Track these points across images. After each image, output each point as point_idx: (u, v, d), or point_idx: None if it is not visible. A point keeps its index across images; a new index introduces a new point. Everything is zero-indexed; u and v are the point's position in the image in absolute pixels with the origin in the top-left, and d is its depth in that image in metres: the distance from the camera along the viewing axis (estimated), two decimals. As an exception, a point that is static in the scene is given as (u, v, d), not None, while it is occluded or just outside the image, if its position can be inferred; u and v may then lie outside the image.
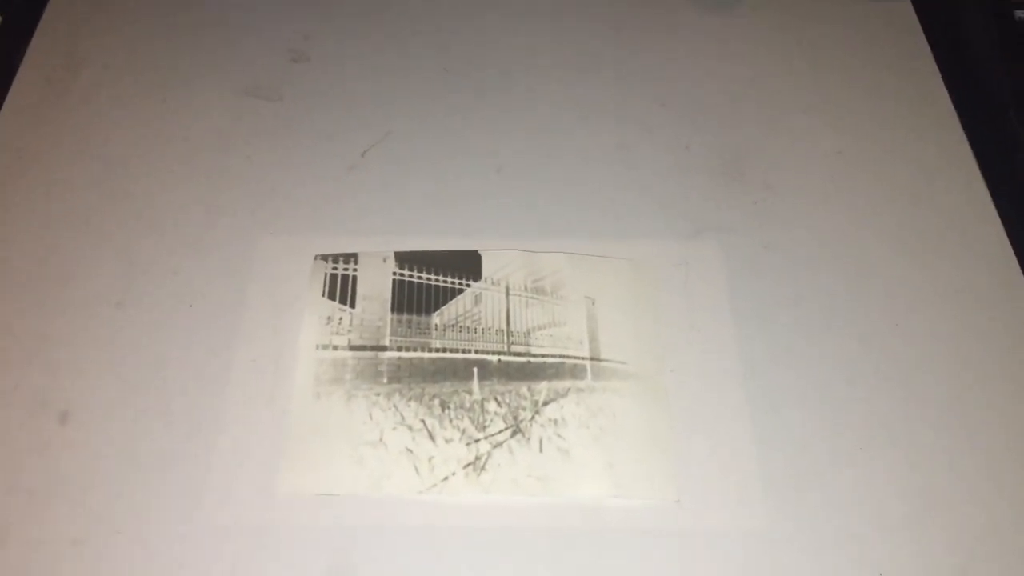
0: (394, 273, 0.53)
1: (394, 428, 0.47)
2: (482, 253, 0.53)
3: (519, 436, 0.47)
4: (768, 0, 0.68)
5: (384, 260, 0.53)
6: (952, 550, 0.45)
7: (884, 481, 0.47)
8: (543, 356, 0.50)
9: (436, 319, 0.51)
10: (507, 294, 0.52)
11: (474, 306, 0.51)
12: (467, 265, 0.53)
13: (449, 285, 0.52)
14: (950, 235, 0.56)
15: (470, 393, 0.48)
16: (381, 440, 0.47)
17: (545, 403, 0.48)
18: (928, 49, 0.65)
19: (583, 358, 0.50)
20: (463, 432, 0.47)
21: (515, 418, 0.48)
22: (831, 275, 0.54)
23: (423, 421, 0.47)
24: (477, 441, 0.47)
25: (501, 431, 0.47)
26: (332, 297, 0.52)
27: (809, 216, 0.56)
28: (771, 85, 0.63)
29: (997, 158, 0.59)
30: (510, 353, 0.50)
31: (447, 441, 0.47)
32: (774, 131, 0.61)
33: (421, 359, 0.49)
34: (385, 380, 0.49)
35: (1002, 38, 0.61)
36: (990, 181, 0.58)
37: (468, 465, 0.46)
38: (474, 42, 0.65)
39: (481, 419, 0.48)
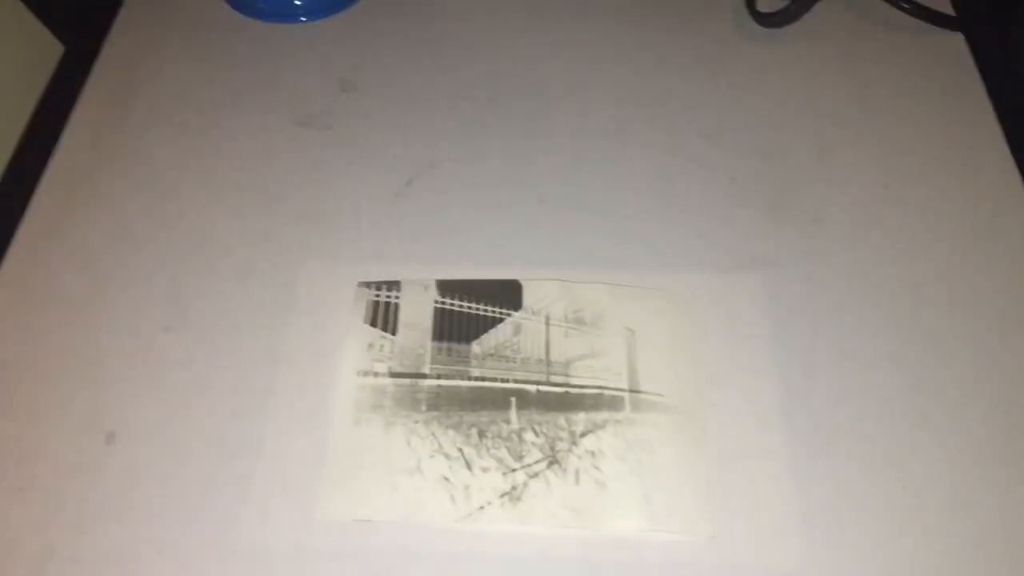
0: (435, 301, 0.53)
1: (431, 456, 0.48)
2: (523, 282, 0.54)
3: (556, 467, 0.47)
4: (815, 31, 0.68)
5: (426, 288, 0.54)
6: (996, 595, 0.44)
7: (927, 523, 0.46)
8: (582, 387, 0.50)
9: (476, 347, 0.51)
10: (547, 324, 0.52)
11: (514, 335, 0.52)
12: (508, 294, 0.53)
13: (489, 314, 0.53)
14: (999, 271, 0.55)
15: (508, 422, 0.49)
16: (418, 468, 0.47)
17: (583, 434, 0.48)
18: (980, 83, 0.64)
19: (622, 390, 0.50)
20: (500, 461, 0.47)
21: (552, 449, 0.48)
22: (876, 311, 0.53)
23: (460, 450, 0.48)
24: (514, 471, 0.47)
25: (538, 461, 0.47)
26: (374, 324, 0.52)
27: (855, 251, 0.56)
28: (817, 118, 0.63)
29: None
30: (549, 383, 0.50)
31: (484, 470, 0.47)
32: (820, 164, 0.60)
33: (460, 387, 0.50)
34: (424, 408, 0.49)
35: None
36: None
37: (504, 495, 0.46)
38: (520, 72, 0.66)
39: (518, 449, 0.48)
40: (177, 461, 0.48)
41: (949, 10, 0.68)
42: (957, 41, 0.67)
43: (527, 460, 0.47)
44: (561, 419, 0.49)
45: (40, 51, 0.70)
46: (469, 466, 0.47)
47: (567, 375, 0.50)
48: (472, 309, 0.53)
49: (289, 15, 0.71)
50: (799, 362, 0.51)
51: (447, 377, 0.50)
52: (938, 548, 0.45)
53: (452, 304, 0.53)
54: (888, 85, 0.65)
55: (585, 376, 0.50)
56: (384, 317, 0.53)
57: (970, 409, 0.49)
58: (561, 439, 0.48)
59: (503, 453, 0.48)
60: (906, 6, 0.67)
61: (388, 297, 0.53)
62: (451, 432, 0.48)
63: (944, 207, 0.58)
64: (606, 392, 0.50)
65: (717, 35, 0.68)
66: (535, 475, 0.47)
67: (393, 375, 0.50)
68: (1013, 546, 0.45)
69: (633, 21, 0.69)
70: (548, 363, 0.51)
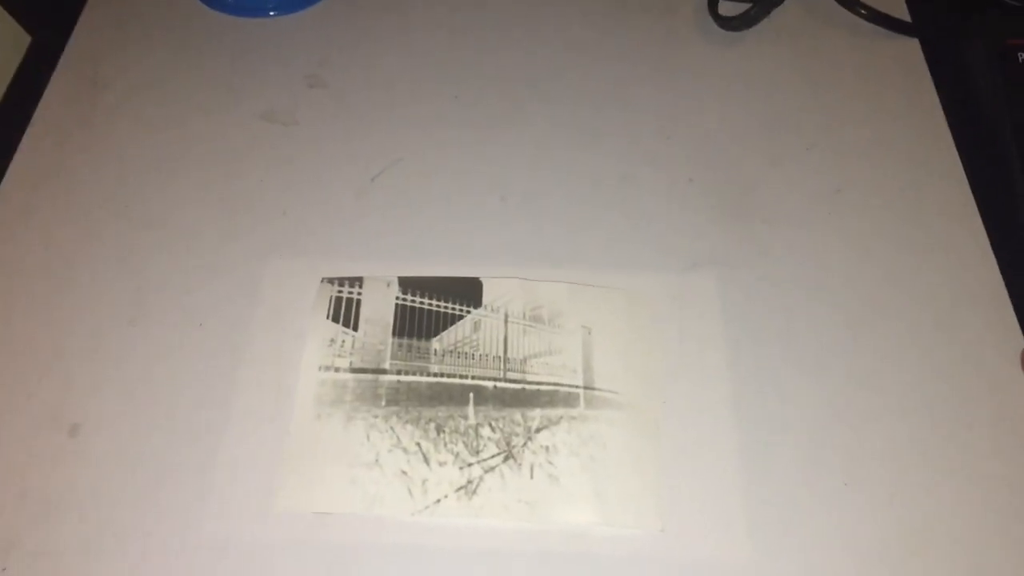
0: (397, 298, 0.54)
1: (390, 450, 0.49)
2: (483, 280, 0.55)
3: (511, 461, 0.48)
4: (775, 35, 0.69)
5: (388, 284, 0.55)
6: (932, 587, 0.45)
7: (869, 519, 0.47)
8: (538, 383, 0.51)
9: (436, 344, 0.52)
10: (506, 321, 0.53)
11: (473, 332, 0.53)
12: (468, 292, 0.54)
13: (450, 311, 0.54)
14: (946, 275, 0.57)
15: (465, 418, 0.50)
16: (377, 461, 0.48)
17: (538, 430, 0.49)
18: (933, 88, 0.66)
19: (577, 387, 0.51)
20: (456, 456, 0.49)
21: (508, 444, 0.49)
22: (826, 312, 0.55)
23: (418, 444, 0.49)
24: (470, 465, 0.48)
25: (494, 456, 0.49)
26: (336, 320, 0.53)
27: (806, 252, 0.57)
28: (775, 120, 0.64)
29: (997, 200, 0.59)
30: (506, 380, 0.51)
31: (441, 464, 0.48)
32: (776, 167, 0.62)
33: (419, 383, 0.51)
34: (384, 403, 0.50)
35: (1006, 79, 0.62)
36: (988, 223, 0.58)
37: (460, 488, 0.48)
38: (485, 71, 0.67)
39: (475, 444, 0.49)
40: (139, 453, 0.49)
41: (906, 16, 0.70)
42: (912, 47, 0.69)
43: (483, 455, 0.49)
44: (517, 415, 0.50)
45: (6, 42, 0.70)
46: (427, 460, 0.48)
47: (524, 372, 0.52)
48: (433, 306, 0.54)
49: (258, 9, 0.71)
50: (750, 360, 0.53)
51: (407, 373, 0.51)
52: (882, 546, 0.47)
53: (413, 301, 0.54)
54: (844, 89, 0.66)
55: (541, 373, 0.52)
56: (346, 313, 0.54)
57: (914, 407, 0.51)
58: (517, 434, 0.49)
59: (460, 448, 0.49)
60: (863, 12, 0.69)
61: (350, 293, 0.54)
62: (410, 427, 0.49)
63: (893, 211, 0.59)
64: (561, 389, 0.51)
65: (679, 37, 0.70)
66: (491, 469, 0.48)
67: (354, 370, 0.51)
68: (952, 540, 0.47)
69: (596, 21, 0.70)
70: (506, 360, 0.52)
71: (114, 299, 0.54)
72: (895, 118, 0.64)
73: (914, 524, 0.47)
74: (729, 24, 0.69)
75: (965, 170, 0.61)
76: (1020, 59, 0.63)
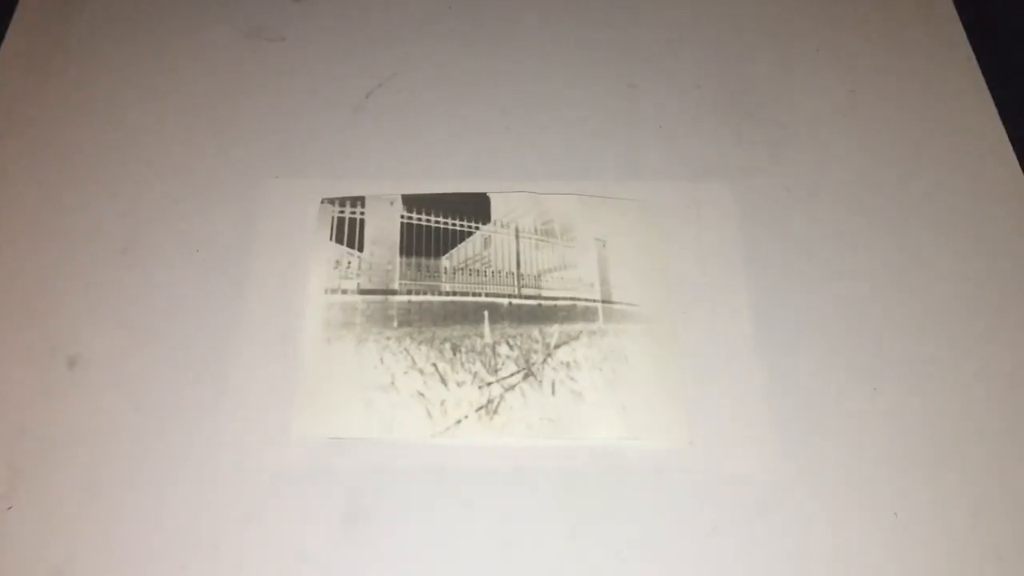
0: (402, 216, 0.52)
1: (405, 372, 0.47)
2: (490, 195, 0.53)
3: (531, 379, 0.47)
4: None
5: (391, 203, 0.52)
6: (965, 489, 0.45)
7: (896, 423, 0.47)
8: (554, 299, 0.49)
9: (445, 262, 0.50)
10: (517, 237, 0.51)
11: (484, 249, 0.51)
12: (476, 208, 0.52)
13: (458, 228, 0.52)
14: (965, 173, 0.55)
15: (481, 336, 0.48)
16: (393, 384, 0.47)
17: (557, 346, 0.48)
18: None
19: (594, 300, 0.49)
20: (475, 375, 0.47)
21: (527, 361, 0.47)
22: (844, 216, 0.53)
23: (434, 365, 0.47)
24: (489, 384, 0.47)
25: (513, 374, 0.47)
26: (340, 241, 0.51)
27: (821, 155, 0.56)
28: (781, 23, 0.62)
29: (1013, 94, 0.58)
30: (521, 296, 0.49)
31: (459, 384, 0.47)
32: (785, 70, 0.60)
33: (431, 303, 0.49)
34: (396, 324, 0.48)
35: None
36: (1005, 116, 0.57)
37: (480, 408, 0.46)
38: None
39: (493, 362, 0.47)
40: (144, 385, 0.47)
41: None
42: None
43: (502, 373, 0.47)
44: (535, 331, 0.48)
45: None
46: (444, 381, 0.47)
47: (539, 287, 0.50)
48: (440, 223, 0.52)
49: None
50: (769, 270, 0.51)
51: (418, 293, 0.49)
52: (910, 449, 0.46)
53: (419, 219, 0.52)
54: (852, -10, 0.64)
55: (557, 288, 0.50)
56: (350, 234, 0.51)
57: (939, 311, 0.50)
58: (535, 351, 0.48)
59: (478, 367, 0.47)
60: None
61: (353, 213, 0.52)
62: (424, 347, 0.48)
63: (909, 110, 0.58)
64: (579, 303, 0.49)
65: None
66: (511, 388, 0.47)
67: (362, 292, 0.49)
68: (982, 443, 0.46)
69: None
70: (519, 276, 0.50)
71: (104, 227, 0.52)
72: (904, 15, 0.62)
73: (940, 428, 0.46)
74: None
75: (979, 65, 0.59)
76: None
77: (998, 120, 0.57)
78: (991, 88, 0.58)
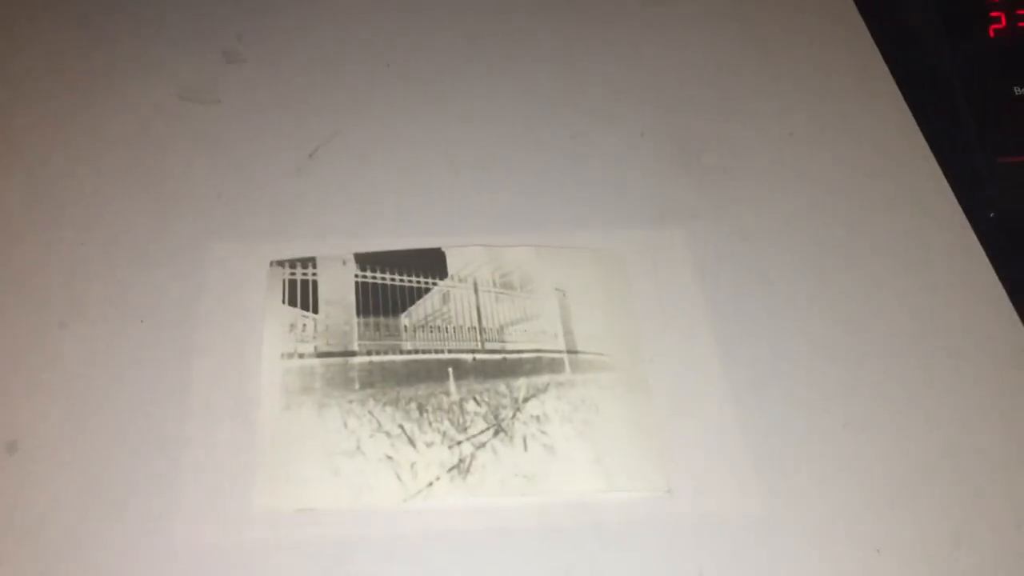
0: (356, 275, 0.50)
1: (371, 435, 0.45)
2: (445, 250, 0.52)
3: (502, 435, 0.46)
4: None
5: (344, 263, 0.51)
6: (945, 520, 0.45)
7: (872, 456, 0.46)
8: (519, 352, 0.48)
9: (405, 320, 0.49)
10: (476, 291, 0.50)
11: (443, 305, 0.50)
12: (431, 263, 0.51)
13: (415, 285, 0.50)
14: (903, 204, 0.57)
15: (447, 394, 0.47)
16: (359, 449, 0.45)
17: (525, 399, 0.47)
18: (865, 28, 0.66)
19: (560, 351, 0.48)
20: (444, 435, 0.45)
21: (496, 417, 0.46)
22: (795, 254, 0.54)
23: (401, 426, 0.45)
24: (459, 443, 0.45)
25: (483, 431, 0.46)
26: (293, 303, 0.49)
27: (770, 197, 0.57)
28: (717, 71, 0.63)
29: (940, 126, 0.60)
30: (484, 351, 0.48)
31: (428, 445, 0.45)
32: (725, 116, 0.61)
33: (393, 362, 0.47)
34: (357, 386, 0.47)
35: (939, 13, 0.62)
36: (935, 148, 0.59)
37: (452, 468, 0.44)
38: (417, 35, 0.64)
39: (461, 420, 0.46)
40: (90, 466, 0.44)
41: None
42: (839, -10, 0.69)
43: (472, 431, 0.46)
44: (501, 386, 0.47)
45: None
46: (412, 442, 0.45)
47: (502, 341, 0.49)
48: (396, 281, 0.50)
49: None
50: (730, 310, 0.51)
51: (379, 352, 0.48)
52: (889, 483, 0.46)
53: (374, 277, 0.50)
54: (781, 35, 0.66)
55: (521, 340, 0.49)
56: (303, 296, 0.50)
57: (900, 342, 0.50)
58: (504, 406, 0.46)
59: (446, 426, 0.46)
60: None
61: (304, 275, 0.50)
62: (389, 409, 0.46)
63: (846, 148, 0.59)
64: (544, 355, 0.48)
65: (611, -8, 0.68)
66: (482, 445, 0.45)
67: (320, 355, 0.47)
68: (959, 473, 0.46)
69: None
70: (481, 330, 0.49)
71: (39, 301, 0.49)
72: (832, 60, 0.64)
73: (917, 460, 0.47)
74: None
75: (906, 100, 0.61)
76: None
77: (927, 150, 0.59)
78: (919, 123, 0.60)
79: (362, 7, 0.65)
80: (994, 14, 0.62)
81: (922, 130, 0.60)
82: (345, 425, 0.45)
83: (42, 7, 0.64)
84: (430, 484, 0.44)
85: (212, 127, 0.58)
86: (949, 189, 0.57)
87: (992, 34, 0.62)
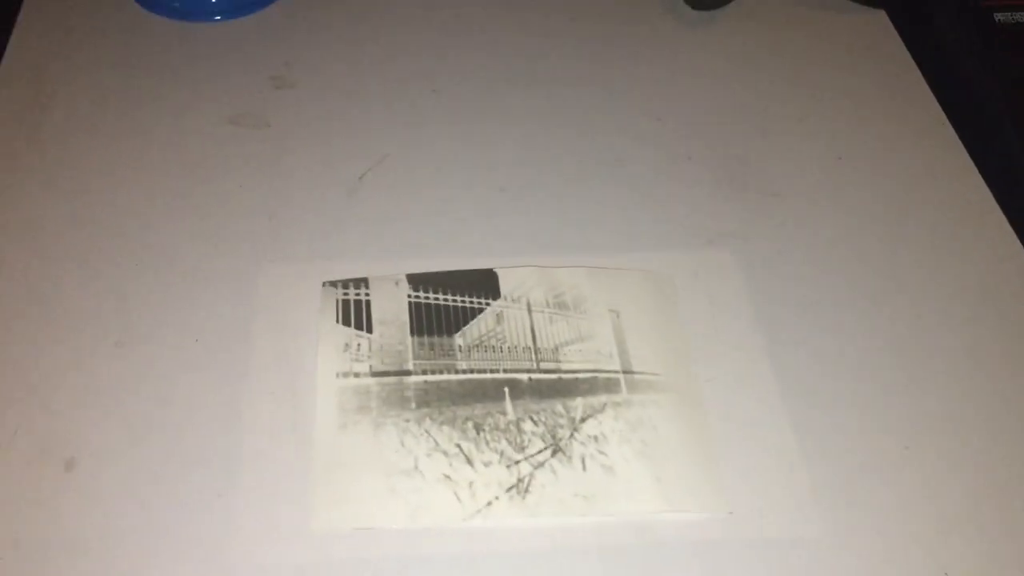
0: (409, 296, 0.50)
1: (428, 455, 0.45)
2: (498, 271, 0.52)
3: (560, 455, 0.45)
4: (746, 13, 0.69)
5: (396, 283, 0.51)
6: (1012, 542, 0.44)
7: (936, 477, 0.46)
8: (574, 372, 0.48)
9: (459, 340, 0.49)
10: (529, 311, 0.50)
11: (497, 325, 0.50)
12: (484, 284, 0.51)
13: (468, 305, 0.50)
14: (949, 223, 0.57)
15: (504, 414, 0.46)
16: (416, 468, 0.44)
17: (583, 419, 0.46)
18: (906, 52, 0.66)
19: (615, 371, 0.48)
20: (502, 454, 0.45)
21: (554, 437, 0.46)
22: (845, 275, 0.54)
23: (458, 445, 0.45)
24: (517, 463, 0.45)
25: (541, 451, 0.45)
26: (347, 323, 0.49)
27: (816, 219, 0.56)
28: (761, 95, 0.64)
29: (987, 147, 0.60)
30: (540, 371, 0.48)
31: (486, 465, 0.45)
32: (771, 140, 0.61)
33: (449, 382, 0.47)
34: (414, 405, 0.46)
35: (979, 33, 0.63)
36: (983, 170, 0.59)
37: (511, 488, 0.44)
38: (461, 62, 0.64)
39: (519, 440, 0.46)
40: (147, 484, 0.44)
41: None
42: (880, 17, 0.69)
43: (529, 451, 0.45)
44: (558, 406, 0.47)
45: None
46: (470, 462, 0.45)
47: (557, 361, 0.48)
48: (449, 301, 0.50)
49: (203, 14, 0.67)
50: (782, 330, 0.51)
51: (434, 372, 0.48)
52: (955, 504, 0.45)
53: (427, 297, 0.50)
54: (822, 62, 0.66)
55: (576, 360, 0.48)
56: (357, 315, 0.50)
57: (955, 357, 0.50)
58: (561, 426, 0.46)
59: (504, 445, 0.45)
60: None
61: (357, 295, 0.50)
62: (446, 428, 0.46)
63: (892, 170, 0.59)
64: (600, 375, 0.48)
65: (653, 19, 0.68)
66: (540, 465, 0.45)
67: (375, 374, 0.47)
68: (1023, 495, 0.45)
69: (571, 11, 0.69)
70: (536, 350, 0.49)
71: (96, 320, 0.49)
72: (875, 84, 0.65)
73: (983, 480, 0.46)
74: (701, 4, 0.68)
75: (951, 122, 0.61)
76: (996, 20, 0.63)
77: (974, 169, 0.59)
78: (963, 143, 0.60)
79: (408, 34, 0.66)
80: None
81: (967, 150, 0.60)
82: (402, 444, 0.45)
83: (98, 38, 0.65)
84: (489, 504, 0.43)
85: (262, 150, 0.58)
86: (997, 207, 0.57)
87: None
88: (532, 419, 0.46)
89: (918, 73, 0.65)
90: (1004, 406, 0.49)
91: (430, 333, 0.49)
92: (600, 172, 0.58)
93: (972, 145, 0.60)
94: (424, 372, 0.48)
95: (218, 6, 0.67)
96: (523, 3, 0.69)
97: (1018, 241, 0.55)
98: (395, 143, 0.59)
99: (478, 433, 0.46)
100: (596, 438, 0.46)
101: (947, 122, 0.62)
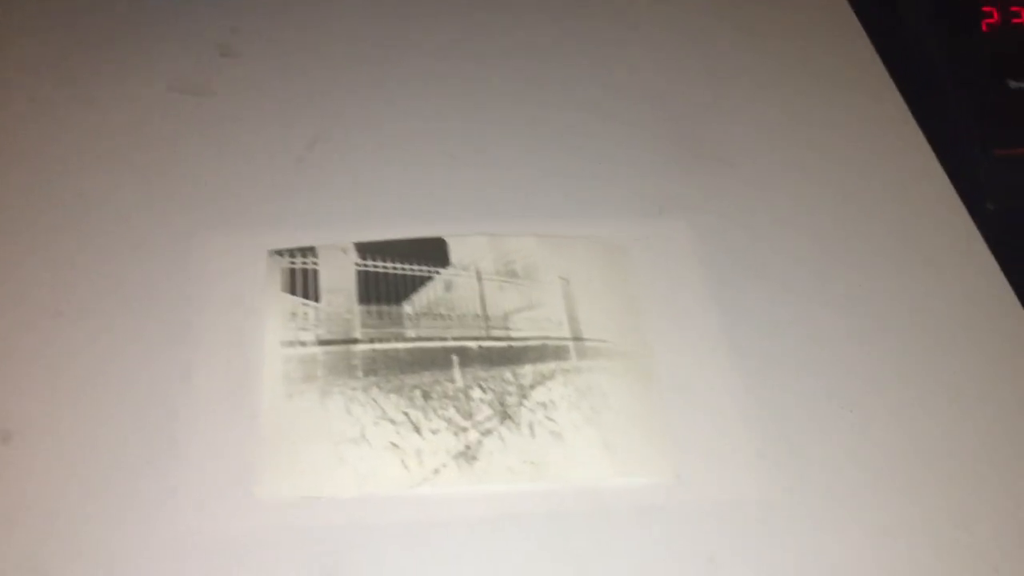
0: (356, 264, 0.50)
1: (375, 423, 0.44)
2: (447, 239, 0.51)
3: (508, 422, 0.45)
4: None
5: (344, 251, 0.50)
6: (951, 503, 0.44)
7: (877, 441, 0.46)
8: (524, 339, 0.48)
9: (407, 308, 0.48)
10: (479, 279, 0.50)
11: (446, 293, 0.49)
12: (433, 252, 0.51)
13: (417, 273, 0.50)
14: (901, 197, 0.57)
15: (452, 381, 0.46)
16: (363, 436, 0.44)
17: (532, 386, 0.46)
18: (859, 24, 0.66)
19: (565, 339, 0.48)
20: (449, 422, 0.45)
21: (502, 404, 0.45)
22: (796, 244, 0.54)
23: (406, 413, 0.45)
24: (465, 430, 0.45)
25: (489, 418, 0.45)
26: (293, 292, 0.49)
27: (769, 190, 0.57)
28: (714, 66, 0.64)
29: (936, 120, 0.60)
30: (489, 338, 0.48)
31: (434, 432, 0.44)
32: (723, 111, 0.61)
33: (396, 350, 0.47)
34: (361, 374, 0.46)
35: (931, 7, 0.63)
36: (933, 142, 0.59)
37: (459, 455, 0.44)
38: (415, 28, 0.63)
39: (467, 407, 0.45)
40: (87, 456, 0.43)
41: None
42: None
43: (478, 418, 0.45)
44: (507, 373, 0.46)
45: None
46: (418, 429, 0.44)
47: (507, 328, 0.48)
48: (397, 270, 0.50)
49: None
50: (732, 299, 0.51)
51: (381, 340, 0.47)
52: (894, 465, 0.45)
53: (375, 266, 0.50)
54: (777, 32, 0.66)
55: (526, 328, 0.48)
56: (303, 284, 0.49)
57: (902, 324, 0.50)
58: (510, 393, 0.46)
59: (452, 413, 0.45)
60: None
61: (304, 264, 0.50)
62: (393, 396, 0.45)
63: (844, 144, 0.59)
64: (549, 342, 0.48)
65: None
66: (488, 432, 0.45)
67: (322, 343, 0.47)
68: (964, 454, 0.46)
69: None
70: (486, 318, 0.48)
71: (34, 291, 0.48)
72: (829, 55, 0.65)
73: (922, 443, 0.46)
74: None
75: (901, 94, 0.62)
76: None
77: (924, 143, 0.59)
78: (916, 117, 0.60)
79: (357, 4, 0.65)
80: (986, 9, 0.62)
81: (919, 124, 0.60)
82: (349, 413, 0.45)
83: (29, 5, 0.63)
84: (436, 471, 0.43)
85: (208, 119, 0.57)
86: (948, 182, 0.57)
87: (985, 28, 0.62)
88: (481, 386, 0.46)
89: (870, 44, 0.65)
90: (950, 371, 0.49)
91: (378, 301, 0.49)
92: (552, 141, 0.58)
93: (923, 118, 0.60)
94: (371, 340, 0.47)
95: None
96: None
97: (967, 213, 0.56)
98: (346, 112, 0.58)
99: (426, 401, 0.45)
100: (545, 405, 0.46)
101: (897, 92, 0.62)
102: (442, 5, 0.65)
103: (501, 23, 0.65)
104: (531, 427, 0.45)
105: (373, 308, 0.48)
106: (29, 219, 0.51)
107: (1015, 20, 0.62)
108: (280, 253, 0.50)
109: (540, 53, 0.63)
